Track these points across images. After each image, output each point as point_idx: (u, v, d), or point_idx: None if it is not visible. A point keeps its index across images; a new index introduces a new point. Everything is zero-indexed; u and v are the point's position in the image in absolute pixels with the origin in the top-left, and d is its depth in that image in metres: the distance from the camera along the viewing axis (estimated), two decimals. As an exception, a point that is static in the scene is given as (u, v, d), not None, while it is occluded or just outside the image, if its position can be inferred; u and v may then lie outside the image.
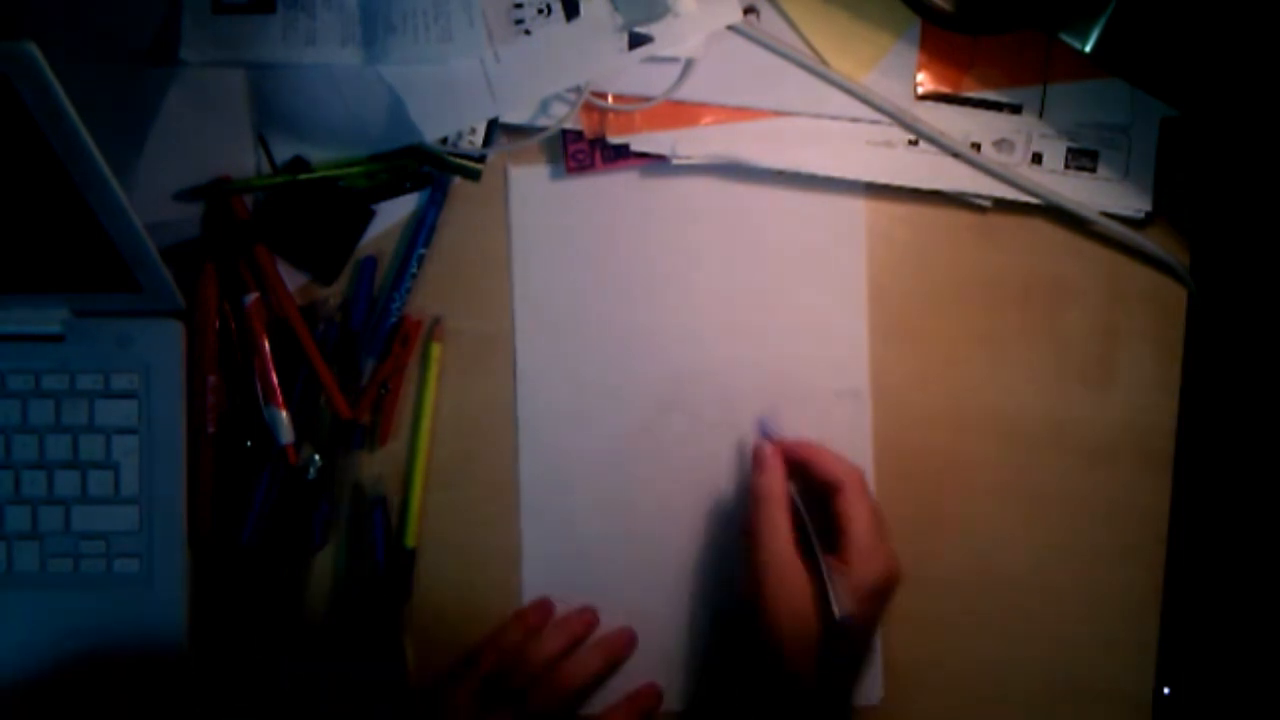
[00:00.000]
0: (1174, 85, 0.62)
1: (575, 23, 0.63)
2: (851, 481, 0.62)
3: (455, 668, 0.66)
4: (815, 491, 0.63)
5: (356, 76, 0.63)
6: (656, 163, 0.66)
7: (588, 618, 0.67)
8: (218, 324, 0.65)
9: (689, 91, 0.65)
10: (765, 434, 0.66)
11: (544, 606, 0.67)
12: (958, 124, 0.66)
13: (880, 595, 0.61)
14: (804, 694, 0.59)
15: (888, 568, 0.61)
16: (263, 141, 0.65)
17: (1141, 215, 0.67)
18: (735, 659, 0.66)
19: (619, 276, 0.68)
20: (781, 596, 0.59)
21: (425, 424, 0.66)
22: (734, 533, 0.67)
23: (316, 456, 0.66)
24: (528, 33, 0.63)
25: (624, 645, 0.67)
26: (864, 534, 0.60)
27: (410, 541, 0.67)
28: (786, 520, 0.61)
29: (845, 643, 0.60)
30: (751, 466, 0.64)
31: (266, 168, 0.65)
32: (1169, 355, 0.68)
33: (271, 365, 0.65)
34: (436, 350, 0.67)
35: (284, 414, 0.65)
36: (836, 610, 0.58)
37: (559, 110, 0.65)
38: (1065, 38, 0.62)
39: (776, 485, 0.62)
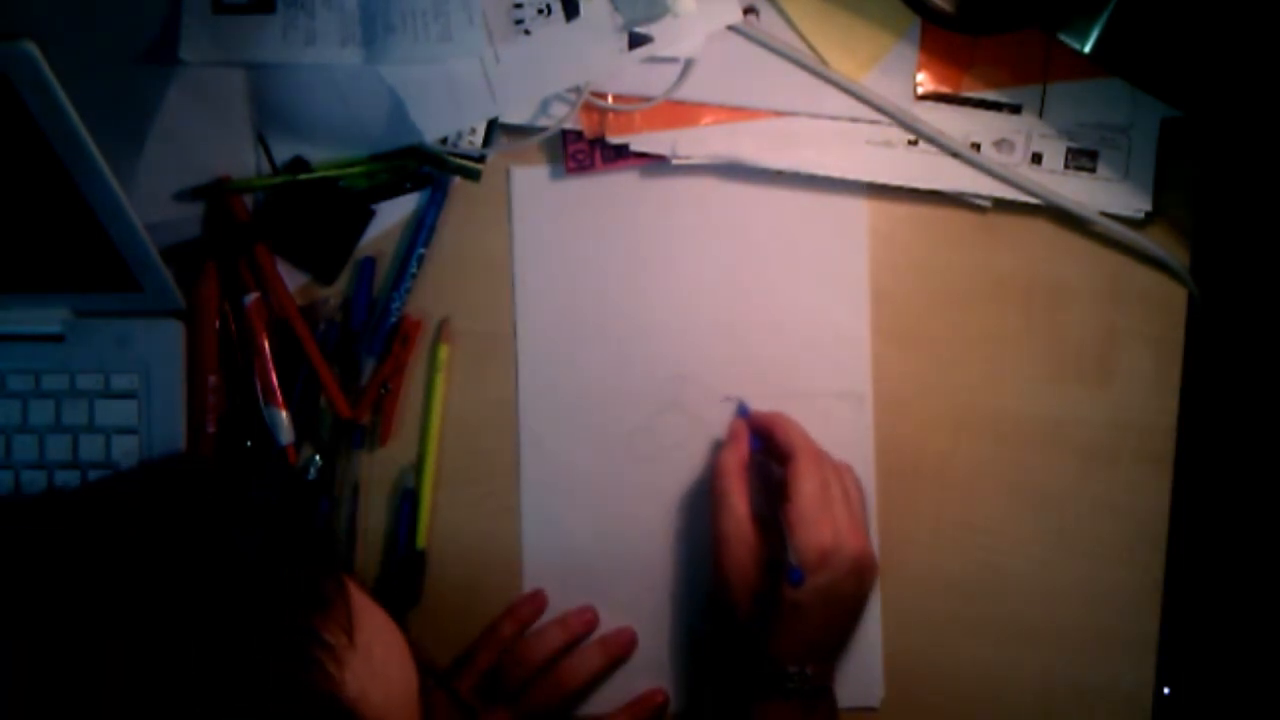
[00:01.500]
0: (1174, 85, 0.62)
1: (575, 23, 0.63)
2: (802, 452, 0.62)
3: (453, 665, 0.66)
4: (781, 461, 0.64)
5: (356, 76, 0.63)
6: (656, 163, 0.66)
7: (588, 616, 0.67)
8: (218, 324, 0.65)
9: (689, 91, 0.65)
10: (741, 412, 0.67)
11: (537, 599, 0.67)
12: (958, 124, 0.66)
13: (824, 567, 0.60)
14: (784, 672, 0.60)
15: (835, 542, 0.60)
16: (263, 141, 0.65)
17: (1141, 215, 0.67)
18: (713, 626, 0.67)
19: (619, 276, 0.68)
20: (733, 563, 0.61)
21: (434, 426, 0.67)
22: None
23: (316, 456, 0.66)
24: (528, 33, 0.63)
25: (624, 645, 0.67)
26: (805, 503, 0.61)
27: (421, 542, 0.67)
28: (742, 490, 0.63)
29: (792, 610, 0.60)
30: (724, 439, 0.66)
31: (266, 168, 0.65)
32: (1169, 355, 0.68)
33: (271, 365, 0.65)
34: (444, 351, 0.67)
35: (284, 414, 0.65)
36: (792, 560, 0.59)
37: (559, 110, 0.65)
38: (1065, 38, 0.61)
39: (735, 457, 0.64)
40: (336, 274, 0.67)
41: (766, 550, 0.62)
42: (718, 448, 0.66)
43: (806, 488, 0.61)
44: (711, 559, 0.63)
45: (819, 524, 0.60)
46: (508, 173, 0.67)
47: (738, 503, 0.62)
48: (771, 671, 0.60)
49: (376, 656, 0.44)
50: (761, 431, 0.65)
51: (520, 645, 0.66)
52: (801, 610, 0.60)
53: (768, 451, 0.65)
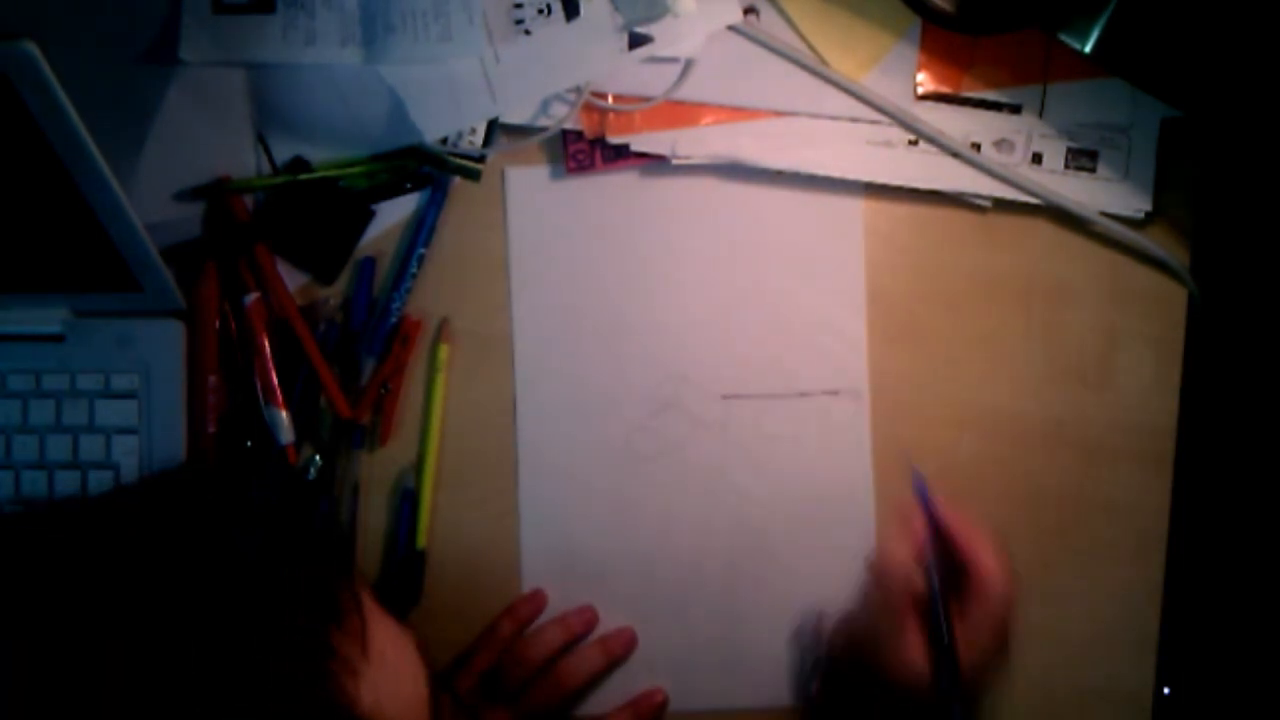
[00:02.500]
0: (1174, 85, 0.62)
1: (575, 23, 0.63)
2: (991, 584, 0.56)
3: (452, 665, 0.66)
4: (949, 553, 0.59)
5: (356, 76, 0.63)
6: (656, 163, 0.66)
7: (588, 616, 0.67)
8: (218, 324, 0.65)
9: (689, 91, 0.65)
10: (920, 493, 0.60)
11: (537, 599, 0.67)
12: (958, 124, 0.66)
13: (998, 671, 0.57)
14: None
15: (1009, 600, 0.56)
16: (263, 141, 0.65)
17: (1141, 215, 0.67)
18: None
19: (618, 276, 0.68)
20: (901, 680, 0.56)
21: (434, 426, 0.67)
22: (733, 531, 0.67)
23: (316, 456, 0.66)
24: (528, 33, 0.63)
25: (624, 645, 0.67)
26: (977, 634, 0.56)
27: (421, 542, 0.67)
28: (909, 597, 0.57)
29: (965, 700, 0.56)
30: (898, 535, 0.60)
31: (266, 168, 0.65)
32: (1169, 355, 0.68)
33: (271, 365, 0.65)
34: (444, 351, 0.67)
35: (284, 414, 0.65)
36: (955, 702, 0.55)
37: (559, 110, 0.65)
38: (1065, 38, 0.61)
39: (901, 566, 0.58)
40: (336, 274, 0.67)
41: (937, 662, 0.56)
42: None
43: (993, 613, 0.56)
44: (859, 654, 0.58)
45: (999, 634, 0.56)
46: (507, 173, 0.67)
47: (915, 635, 0.56)
48: None
49: (389, 667, 0.44)
50: (941, 528, 0.59)
51: (520, 645, 0.66)
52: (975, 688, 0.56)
53: (936, 539, 0.59)
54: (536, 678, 0.65)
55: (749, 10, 0.65)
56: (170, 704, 0.39)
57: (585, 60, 0.64)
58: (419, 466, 0.67)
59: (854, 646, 0.59)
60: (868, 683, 0.58)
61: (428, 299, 0.67)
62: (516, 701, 0.65)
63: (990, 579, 0.57)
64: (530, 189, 0.67)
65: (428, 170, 0.66)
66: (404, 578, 0.67)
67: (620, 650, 0.67)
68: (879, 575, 0.58)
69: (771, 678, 0.68)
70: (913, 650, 0.56)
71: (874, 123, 0.66)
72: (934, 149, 0.66)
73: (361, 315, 0.67)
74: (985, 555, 0.57)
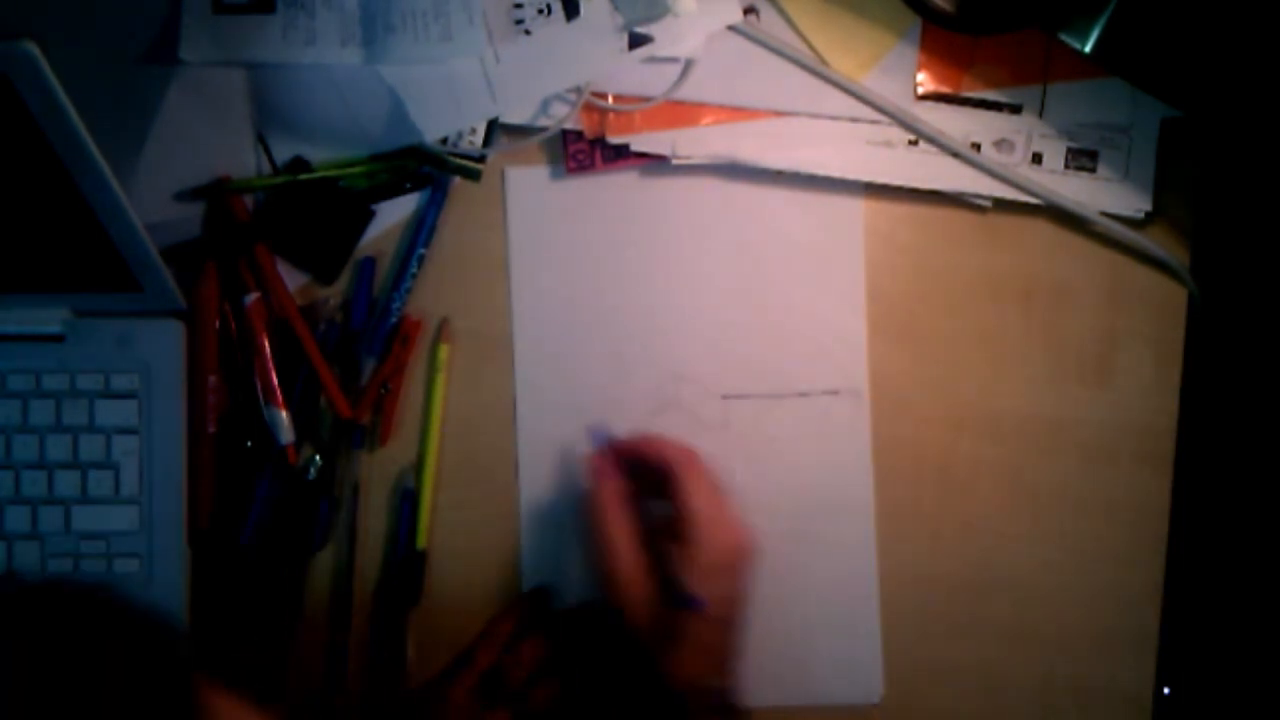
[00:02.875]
0: (1174, 85, 0.62)
1: (575, 23, 0.63)
2: (682, 464, 0.62)
3: (452, 665, 0.66)
4: (657, 480, 0.63)
5: (356, 76, 0.63)
6: (656, 163, 0.66)
7: None
8: (218, 324, 0.65)
9: (689, 91, 0.65)
10: (599, 441, 0.66)
11: (539, 596, 0.67)
12: (958, 124, 0.66)
13: (733, 570, 0.60)
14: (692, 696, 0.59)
15: (736, 542, 0.60)
16: (263, 141, 0.65)
17: (1141, 215, 0.67)
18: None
19: (618, 276, 0.68)
20: (633, 601, 0.60)
21: (434, 426, 0.67)
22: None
23: (316, 456, 0.66)
24: (528, 33, 0.63)
25: None
26: (703, 513, 0.60)
27: (421, 543, 0.67)
28: (626, 526, 0.61)
29: (703, 627, 0.59)
30: (587, 479, 0.64)
31: (266, 168, 0.65)
32: (1169, 355, 0.68)
33: (271, 365, 0.65)
34: (444, 351, 0.67)
35: (284, 414, 0.65)
36: (687, 592, 0.58)
37: (559, 110, 0.65)
38: (1065, 38, 0.61)
39: (610, 491, 0.62)
40: (336, 274, 0.67)
41: (657, 577, 0.60)
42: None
43: (700, 495, 0.60)
44: (604, 597, 0.61)
45: (721, 526, 0.60)
46: (504, 174, 0.67)
47: (623, 538, 0.61)
48: (689, 693, 0.59)
49: None
50: (629, 456, 0.64)
51: (521, 644, 0.66)
52: (706, 623, 0.59)
53: (635, 475, 0.64)
54: (538, 678, 0.65)
55: (749, 10, 0.65)
56: None
57: (585, 60, 0.64)
58: (419, 466, 0.67)
59: (616, 614, 0.61)
60: (634, 642, 0.60)
61: (428, 299, 0.67)
62: (517, 702, 0.65)
63: (677, 462, 0.61)
64: (530, 189, 0.67)
65: (428, 170, 0.66)
66: (404, 578, 0.67)
67: None
68: (596, 519, 0.62)
69: (771, 677, 0.68)
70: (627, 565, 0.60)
71: (874, 123, 0.66)
72: (934, 149, 0.66)
73: (361, 315, 0.67)
74: (662, 448, 0.63)
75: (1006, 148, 0.67)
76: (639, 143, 0.66)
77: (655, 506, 0.63)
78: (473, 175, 0.66)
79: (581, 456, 0.66)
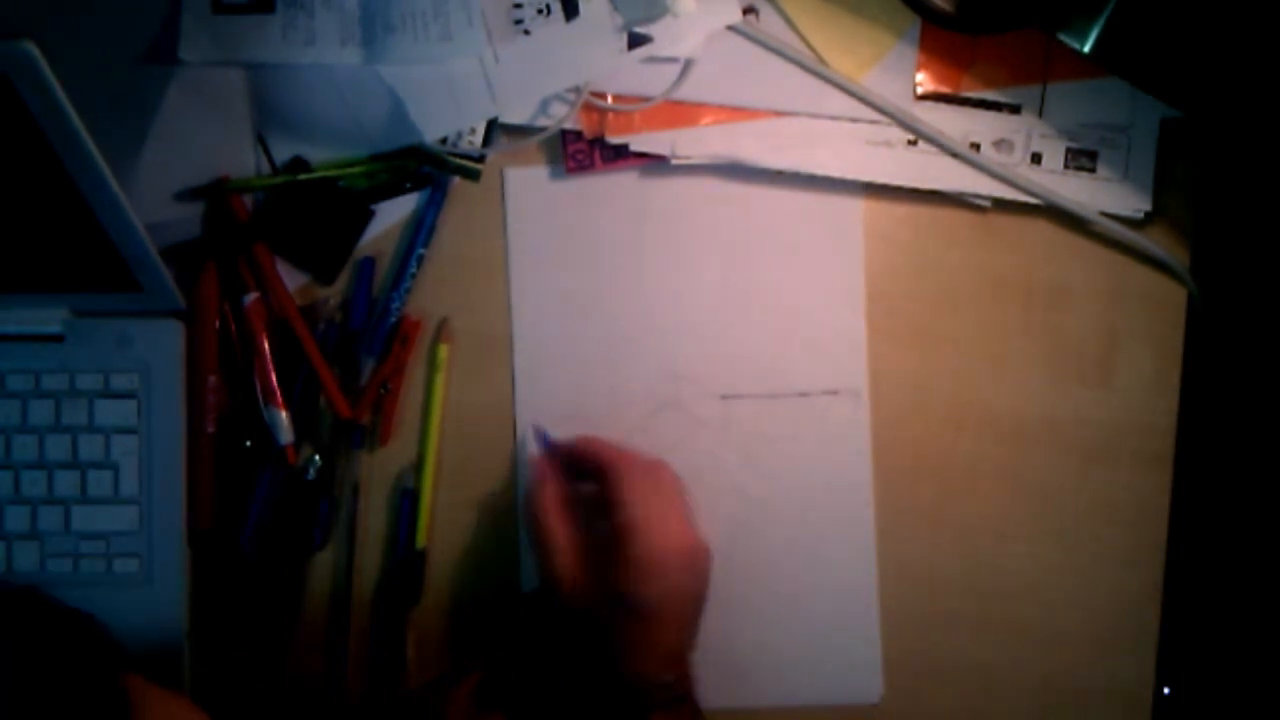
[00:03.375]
0: (1174, 85, 0.62)
1: (575, 23, 0.63)
2: (615, 465, 0.61)
3: (453, 667, 0.66)
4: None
5: (356, 76, 0.63)
6: (656, 163, 0.66)
7: None
8: (218, 324, 0.65)
9: (688, 91, 0.65)
10: (542, 443, 0.66)
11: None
12: (957, 124, 0.66)
13: (672, 569, 0.59)
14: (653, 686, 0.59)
15: (675, 542, 0.60)
16: (263, 141, 0.65)
17: (1141, 215, 0.67)
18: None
19: (618, 276, 0.68)
20: (573, 601, 0.60)
21: (434, 425, 0.67)
22: (732, 531, 0.67)
23: (316, 456, 0.66)
24: (527, 33, 0.63)
25: None
26: (632, 514, 0.59)
27: (421, 542, 0.67)
28: (564, 526, 0.61)
29: (641, 625, 0.59)
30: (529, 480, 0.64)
31: (266, 168, 0.65)
32: (1169, 355, 0.68)
33: (271, 365, 0.65)
34: (444, 351, 0.67)
35: (284, 414, 0.65)
36: (619, 590, 0.58)
37: (559, 110, 0.65)
38: (1065, 38, 0.61)
39: (549, 492, 0.62)
40: (336, 274, 0.67)
41: (600, 577, 0.60)
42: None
43: (628, 497, 0.60)
44: (547, 601, 0.61)
45: (648, 530, 0.59)
46: (503, 174, 0.67)
47: (561, 540, 0.61)
48: (639, 689, 0.59)
49: None
50: (569, 459, 0.64)
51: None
52: (650, 621, 0.58)
53: (575, 474, 0.64)
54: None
55: (749, 10, 0.65)
56: None
57: (585, 60, 0.64)
58: (419, 466, 0.67)
59: (557, 614, 0.62)
60: (579, 638, 0.61)
61: (427, 299, 0.67)
62: (513, 704, 0.65)
63: (608, 463, 0.61)
64: (530, 189, 0.67)
65: (427, 170, 0.66)
66: (404, 578, 0.67)
67: None
68: (533, 520, 0.62)
69: (771, 677, 0.68)
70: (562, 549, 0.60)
71: (874, 123, 0.66)
72: (934, 149, 0.66)
73: (361, 315, 0.67)
74: (597, 450, 0.63)
75: (1006, 148, 0.67)
76: (638, 143, 0.66)
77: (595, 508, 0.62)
78: (472, 175, 0.66)
79: (527, 456, 0.66)
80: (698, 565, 0.61)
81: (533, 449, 0.66)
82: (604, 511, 0.61)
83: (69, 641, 0.57)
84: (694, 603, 0.61)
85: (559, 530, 0.61)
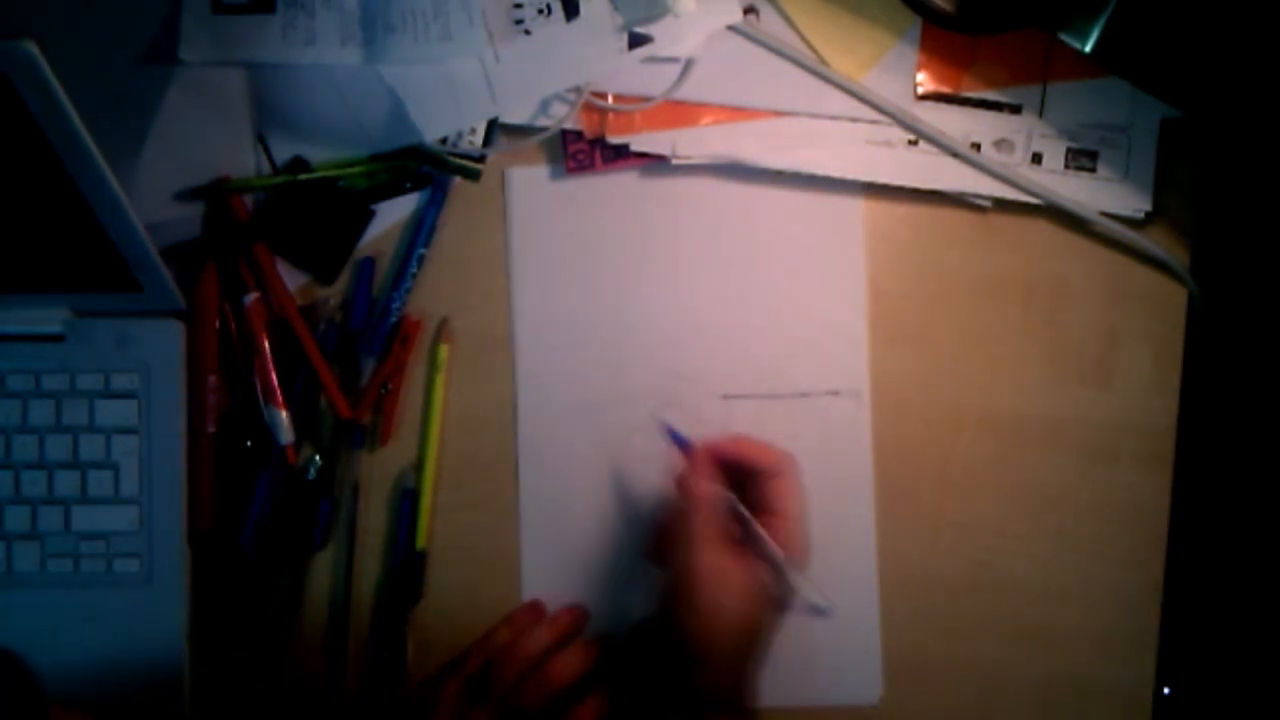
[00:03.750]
0: (1174, 85, 0.62)
1: (575, 23, 0.63)
2: (788, 468, 0.62)
3: (445, 666, 0.66)
4: (741, 481, 0.62)
5: (356, 76, 0.63)
6: (656, 163, 0.66)
7: (576, 614, 0.67)
8: (218, 324, 0.65)
9: (689, 91, 0.65)
10: (675, 436, 0.65)
11: (534, 608, 0.67)
12: (958, 124, 0.66)
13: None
14: (718, 700, 0.58)
15: (807, 553, 0.61)
16: (263, 141, 0.65)
17: (1141, 215, 0.67)
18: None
19: (619, 276, 0.68)
20: (723, 602, 0.58)
21: (434, 426, 0.67)
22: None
23: (316, 457, 0.66)
24: (528, 33, 0.63)
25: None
26: (798, 519, 0.60)
27: (421, 543, 0.67)
28: (720, 523, 0.60)
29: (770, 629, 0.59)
30: (680, 470, 0.62)
31: (266, 168, 0.65)
32: (1169, 355, 0.68)
33: (271, 365, 0.65)
34: (444, 351, 0.67)
35: (284, 414, 0.65)
36: (818, 601, 0.58)
37: (559, 110, 0.65)
38: (1065, 37, 0.62)
39: (707, 488, 0.61)
40: (336, 274, 0.67)
41: (752, 581, 0.59)
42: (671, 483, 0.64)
43: (797, 506, 0.60)
44: (674, 602, 0.59)
45: (804, 543, 0.60)
46: (504, 174, 0.67)
47: (718, 536, 0.59)
48: (697, 696, 0.58)
49: None
50: (727, 458, 0.63)
51: (509, 644, 0.65)
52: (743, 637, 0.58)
53: (728, 473, 0.63)
54: (525, 677, 0.65)
55: (749, 10, 0.65)
56: None
57: (585, 60, 0.64)
58: (419, 466, 0.67)
59: (677, 600, 0.59)
60: (700, 645, 0.58)
61: (427, 299, 0.67)
62: (503, 702, 0.65)
63: (784, 465, 0.61)
64: (531, 189, 0.67)
65: (427, 170, 0.66)
66: (404, 578, 0.67)
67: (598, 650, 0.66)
68: (689, 514, 0.59)
69: (774, 677, 0.68)
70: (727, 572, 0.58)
71: (874, 123, 0.66)
72: (934, 149, 0.66)
73: (361, 315, 0.67)
74: (766, 450, 0.62)
75: (1006, 148, 0.67)
76: (639, 143, 0.66)
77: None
78: (472, 175, 0.66)
79: (665, 454, 0.65)
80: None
81: (674, 441, 0.64)
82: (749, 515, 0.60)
83: None
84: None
85: (712, 528, 0.59)
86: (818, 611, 0.58)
